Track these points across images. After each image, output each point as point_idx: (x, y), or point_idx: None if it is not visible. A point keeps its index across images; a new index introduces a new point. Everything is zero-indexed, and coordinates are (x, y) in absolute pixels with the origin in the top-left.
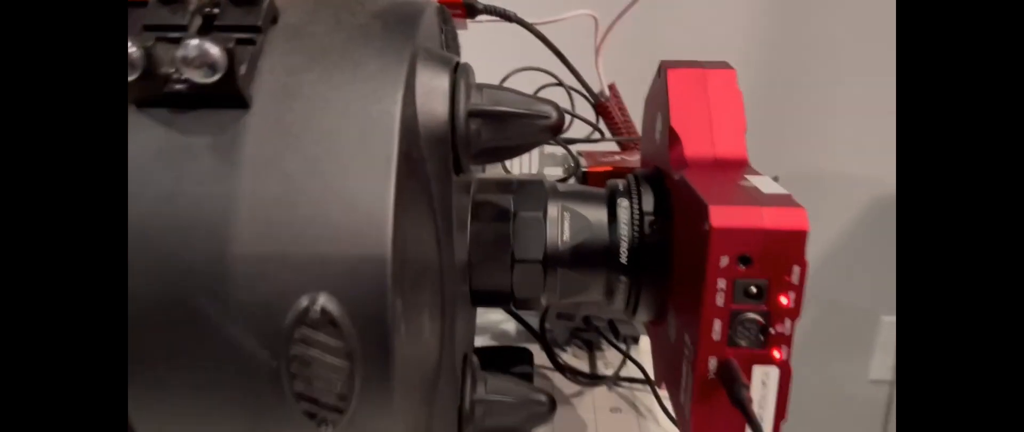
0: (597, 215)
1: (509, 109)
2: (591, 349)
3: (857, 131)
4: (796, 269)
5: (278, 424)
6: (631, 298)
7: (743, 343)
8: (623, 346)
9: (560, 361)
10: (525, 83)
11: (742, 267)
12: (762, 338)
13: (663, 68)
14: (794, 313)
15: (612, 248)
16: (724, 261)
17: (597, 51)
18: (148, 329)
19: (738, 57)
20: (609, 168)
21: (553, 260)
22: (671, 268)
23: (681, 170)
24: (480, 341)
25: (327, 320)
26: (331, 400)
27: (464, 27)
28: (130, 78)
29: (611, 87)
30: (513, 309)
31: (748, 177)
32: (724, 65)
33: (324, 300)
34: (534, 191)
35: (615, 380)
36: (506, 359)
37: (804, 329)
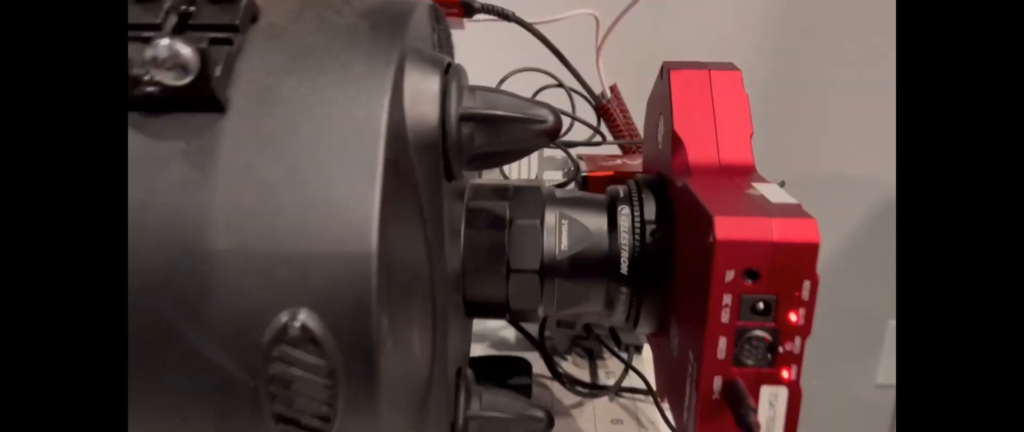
0: (597, 223)
1: (503, 113)
2: (592, 358)
3: (864, 132)
4: (806, 284)
5: None
6: (632, 310)
7: (750, 362)
8: (625, 355)
9: (560, 370)
10: (524, 84)
11: (749, 282)
12: (770, 357)
13: (666, 69)
14: (804, 331)
15: (612, 258)
16: (730, 275)
17: (598, 51)
18: None
19: (743, 56)
20: (610, 173)
21: (550, 270)
22: (674, 280)
23: (684, 177)
24: (478, 349)
25: (307, 337)
26: (313, 422)
27: (461, 27)
28: None
29: (613, 88)
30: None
31: (755, 185)
32: (730, 66)
33: (304, 316)
34: (531, 197)
35: (617, 391)
36: (503, 370)
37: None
